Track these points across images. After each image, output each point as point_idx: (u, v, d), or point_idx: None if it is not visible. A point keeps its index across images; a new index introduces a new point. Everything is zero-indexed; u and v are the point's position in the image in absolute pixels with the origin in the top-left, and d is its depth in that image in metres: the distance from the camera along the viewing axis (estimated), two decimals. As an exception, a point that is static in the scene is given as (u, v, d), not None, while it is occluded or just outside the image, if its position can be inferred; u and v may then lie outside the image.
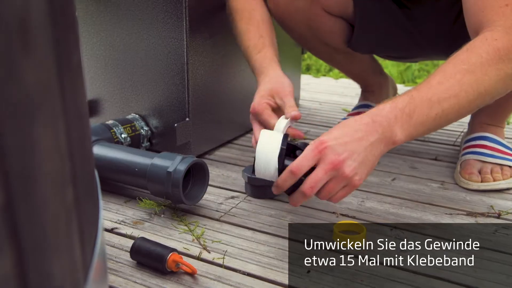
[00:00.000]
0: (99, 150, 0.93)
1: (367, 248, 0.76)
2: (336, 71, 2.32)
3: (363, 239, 0.78)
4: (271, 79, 0.85)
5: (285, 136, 0.73)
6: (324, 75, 2.34)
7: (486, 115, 1.06)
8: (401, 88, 1.99)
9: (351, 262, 0.72)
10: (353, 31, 1.09)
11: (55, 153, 0.25)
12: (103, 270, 0.39)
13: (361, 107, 1.31)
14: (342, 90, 1.93)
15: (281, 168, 0.70)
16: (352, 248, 0.75)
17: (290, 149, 0.73)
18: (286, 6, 1.03)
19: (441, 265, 0.71)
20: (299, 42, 1.20)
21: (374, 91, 1.33)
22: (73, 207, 0.28)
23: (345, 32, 1.10)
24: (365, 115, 0.70)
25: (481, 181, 0.97)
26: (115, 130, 1.03)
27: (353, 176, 0.68)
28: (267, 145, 0.71)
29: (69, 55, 0.29)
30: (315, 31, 1.09)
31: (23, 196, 0.22)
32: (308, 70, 2.55)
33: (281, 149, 0.70)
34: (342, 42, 1.12)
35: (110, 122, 1.04)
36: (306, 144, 0.71)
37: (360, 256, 0.74)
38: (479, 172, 0.99)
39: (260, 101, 0.82)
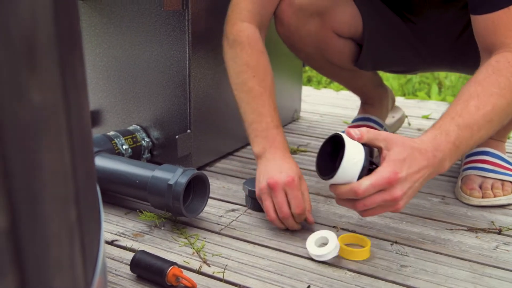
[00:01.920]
0: (100, 161, 0.93)
1: (368, 263, 0.75)
2: (337, 83, 2.32)
3: (368, 253, 0.78)
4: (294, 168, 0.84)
5: (364, 146, 0.72)
6: (325, 87, 2.34)
7: None
8: (401, 100, 2.00)
9: (351, 277, 0.72)
10: (360, 50, 1.09)
11: (59, 173, 0.25)
12: (104, 285, 0.39)
13: (361, 120, 1.32)
14: (343, 102, 1.93)
15: (365, 169, 0.70)
16: (356, 261, 0.75)
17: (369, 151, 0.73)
18: (297, 30, 1.03)
19: (441, 281, 0.71)
20: (304, 61, 1.20)
21: (374, 104, 1.34)
22: (76, 225, 0.28)
23: (353, 51, 1.11)
24: (428, 147, 0.71)
25: (482, 197, 0.97)
26: (116, 141, 1.03)
27: (401, 207, 0.71)
28: (355, 152, 0.70)
29: (74, 73, 0.29)
30: (324, 53, 1.10)
31: (27, 217, 0.22)
32: (309, 82, 2.56)
33: (365, 149, 0.71)
34: (350, 62, 1.13)
35: (111, 133, 1.05)
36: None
37: (360, 271, 0.73)
38: (480, 187, 0.99)
39: (294, 173, 0.82)
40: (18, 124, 0.21)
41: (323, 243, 0.77)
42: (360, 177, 0.69)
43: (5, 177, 0.20)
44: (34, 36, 0.24)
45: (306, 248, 0.79)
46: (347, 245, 0.79)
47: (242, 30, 0.93)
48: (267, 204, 0.82)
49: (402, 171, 0.68)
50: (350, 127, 1.34)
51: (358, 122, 1.32)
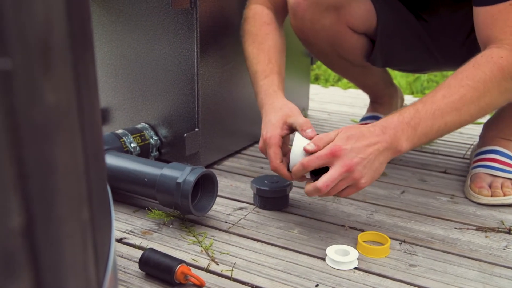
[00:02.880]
0: (109, 159, 0.93)
1: (376, 262, 0.75)
2: (345, 81, 2.32)
3: (388, 250, 0.78)
4: (281, 106, 0.86)
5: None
6: (333, 85, 2.34)
7: (497, 128, 1.06)
8: (409, 98, 1.99)
9: (359, 276, 0.72)
10: (373, 45, 1.09)
11: (72, 174, 0.25)
12: (115, 283, 0.39)
13: (370, 118, 1.31)
14: (351, 101, 1.92)
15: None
16: (364, 260, 0.75)
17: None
18: (311, 24, 1.03)
19: (450, 280, 0.71)
20: (316, 57, 1.20)
21: (383, 102, 1.33)
22: (88, 224, 0.28)
23: (366, 47, 1.11)
24: (376, 125, 0.76)
25: (491, 196, 0.96)
26: (125, 139, 1.03)
27: (360, 179, 0.74)
28: (298, 149, 0.78)
29: (87, 74, 0.30)
30: (337, 47, 1.09)
31: (41, 218, 0.22)
32: (316, 80, 2.55)
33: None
34: (362, 57, 1.13)
35: (120, 131, 1.05)
36: None
37: (368, 270, 0.73)
38: (489, 186, 0.98)
39: (274, 133, 0.82)
40: (33, 126, 0.22)
41: (343, 255, 0.76)
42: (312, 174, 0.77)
43: (21, 178, 0.21)
44: (48, 38, 0.24)
45: (314, 247, 0.79)
46: (367, 242, 0.79)
47: (252, 9, 1.01)
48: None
49: (347, 145, 0.73)
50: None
51: (367, 120, 1.31)
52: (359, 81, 1.31)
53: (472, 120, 0.79)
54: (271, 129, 0.83)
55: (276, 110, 0.86)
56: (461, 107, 0.77)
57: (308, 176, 0.80)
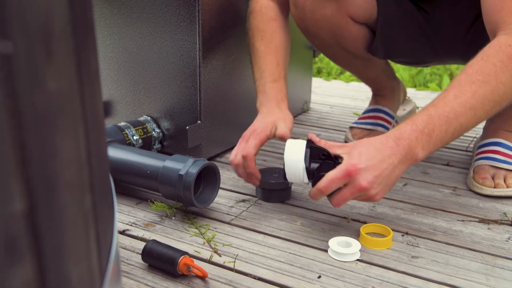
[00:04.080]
0: (111, 152, 0.93)
1: (379, 254, 0.75)
2: (347, 74, 2.31)
3: (390, 242, 0.78)
4: (282, 114, 0.91)
5: (308, 141, 0.79)
6: (335, 78, 2.33)
7: (500, 121, 1.05)
8: (412, 92, 1.98)
9: (362, 267, 0.72)
10: (374, 36, 1.09)
11: (75, 161, 0.25)
12: (117, 273, 0.40)
13: (372, 111, 1.31)
14: (353, 94, 1.92)
15: (308, 169, 0.77)
16: (366, 252, 0.75)
17: (315, 152, 0.77)
18: (312, 14, 1.03)
19: (453, 272, 0.71)
20: (319, 48, 1.20)
21: (386, 95, 1.33)
22: (91, 213, 0.28)
23: (367, 38, 1.10)
24: (389, 137, 0.74)
25: (494, 187, 0.96)
26: (127, 132, 1.03)
27: (375, 196, 0.73)
28: (294, 152, 0.77)
29: (88, 62, 0.30)
30: (338, 38, 1.09)
31: (44, 203, 0.22)
32: (319, 73, 2.55)
33: (306, 151, 0.77)
34: (363, 48, 1.12)
35: (122, 124, 1.05)
36: (326, 150, 0.77)
37: (371, 262, 0.73)
38: (492, 177, 0.98)
39: (249, 150, 0.86)
40: (35, 111, 0.22)
41: (345, 247, 0.76)
42: (310, 175, 0.76)
43: (23, 162, 0.21)
44: (50, 24, 0.24)
45: (317, 239, 0.79)
46: (369, 234, 0.80)
47: (258, 1, 1.02)
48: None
49: (361, 163, 0.71)
50: (360, 118, 1.33)
51: (369, 113, 1.31)
52: (361, 73, 1.31)
53: (488, 116, 0.77)
54: (259, 123, 0.89)
55: (273, 113, 0.92)
56: (475, 104, 0.74)
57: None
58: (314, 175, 0.76)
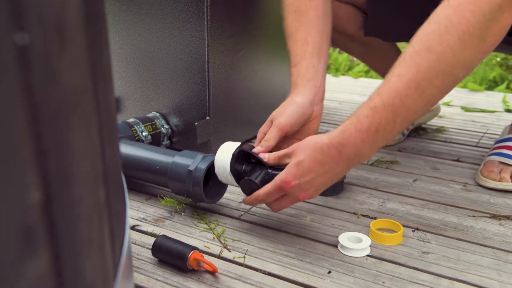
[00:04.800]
0: (121, 148, 0.94)
1: (389, 249, 0.75)
2: (355, 70, 2.30)
3: (401, 238, 0.77)
4: (283, 107, 0.81)
5: (241, 145, 0.78)
6: (343, 74, 2.32)
7: None
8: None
9: (372, 263, 0.71)
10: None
11: (89, 153, 0.25)
12: (130, 268, 0.40)
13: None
14: (362, 90, 1.91)
15: (233, 173, 0.77)
16: (377, 248, 0.75)
17: (245, 155, 0.78)
18: None
19: (464, 268, 0.70)
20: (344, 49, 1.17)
21: None
22: (104, 206, 0.28)
23: (358, 18, 1.07)
24: (331, 144, 0.67)
25: (499, 181, 0.96)
26: (136, 128, 1.04)
27: (312, 197, 0.72)
28: (223, 154, 0.79)
29: (101, 56, 0.30)
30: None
31: (59, 194, 0.22)
32: (327, 69, 2.54)
33: (232, 155, 0.77)
34: (356, 29, 1.09)
35: (131, 120, 1.05)
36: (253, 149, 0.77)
37: (381, 257, 0.73)
38: (500, 172, 0.97)
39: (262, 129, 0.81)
40: (51, 105, 0.22)
41: (356, 242, 0.76)
42: (238, 180, 0.77)
43: (40, 155, 0.21)
44: (64, 17, 0.24)
45: (326, 234, 0.79)
46: (380, 230, 0.79)
47: None
48: None
49: (297, 178, 0.68)
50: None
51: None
52: (368, 61, 1.28)
53: (443, 92, 0.66)
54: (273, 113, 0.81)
55: (288, 104, 0.82)
56: (421, 82, 0.62)
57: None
58: (240, 179, 0.76)
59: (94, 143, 0.26)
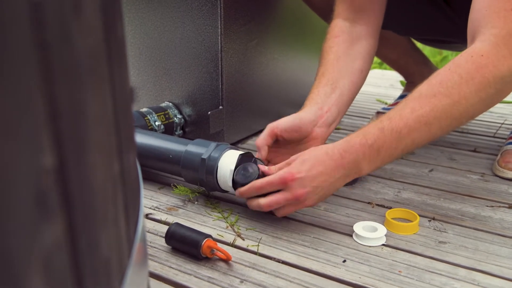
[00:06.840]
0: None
1: (405, 239, 0.74)
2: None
3: (417, 227, 0.76)
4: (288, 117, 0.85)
5: (243, 154, 0.80)
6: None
7: None
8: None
9: (388, 252, 0.70)
10: None
11: (103, 122, 0.25)
12: (144, 254, 0.39)
13: (401, 98, 1.28)
14: (376, 81, 1.89)
15: (233, 181, 0.78)
16: (392, 237, 0.74)
17: (247, 161, 0.79)
18: None
19: (482, 257, 0.69)
20: (322, 17, 1.16)
21: (415, 81, 1.30)
22: (119, 179, 0.28)
23: None
24: (336, 149, 0.71)
25: None
26: (149, 117, 1.03)
27: (308, 204, 0.73)
28: (226, 162, 0.80)
29: (115, 25, 0.29)
30: (330, 1, 1.05)
31: (73, 160, 0.22)
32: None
33: (236, 165, 0.78)
34: None
35: (144, 109, 1.05)
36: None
37: (397, 247, 0.72)
38: None
39: (263, 138, 0.83)
40: (65, 64, 0.21)
41: (371, 231, 0.75)
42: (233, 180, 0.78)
43: (54, 116, 0.20)
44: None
45: (341, 224, 0.78)
46: (395, 219, 0.78)
47: (330, 24, 0.97)
48: None
49: (300, 172, 0.69)
50: (390, 105, 1.31)
51: (398, 100, 1.29)
52: (381, 52, 1.26)
53: (444, 133, 0.73)
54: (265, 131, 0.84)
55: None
56: (431, 120, 0.69)
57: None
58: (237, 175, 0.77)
59: (108, 111, 0.25)
